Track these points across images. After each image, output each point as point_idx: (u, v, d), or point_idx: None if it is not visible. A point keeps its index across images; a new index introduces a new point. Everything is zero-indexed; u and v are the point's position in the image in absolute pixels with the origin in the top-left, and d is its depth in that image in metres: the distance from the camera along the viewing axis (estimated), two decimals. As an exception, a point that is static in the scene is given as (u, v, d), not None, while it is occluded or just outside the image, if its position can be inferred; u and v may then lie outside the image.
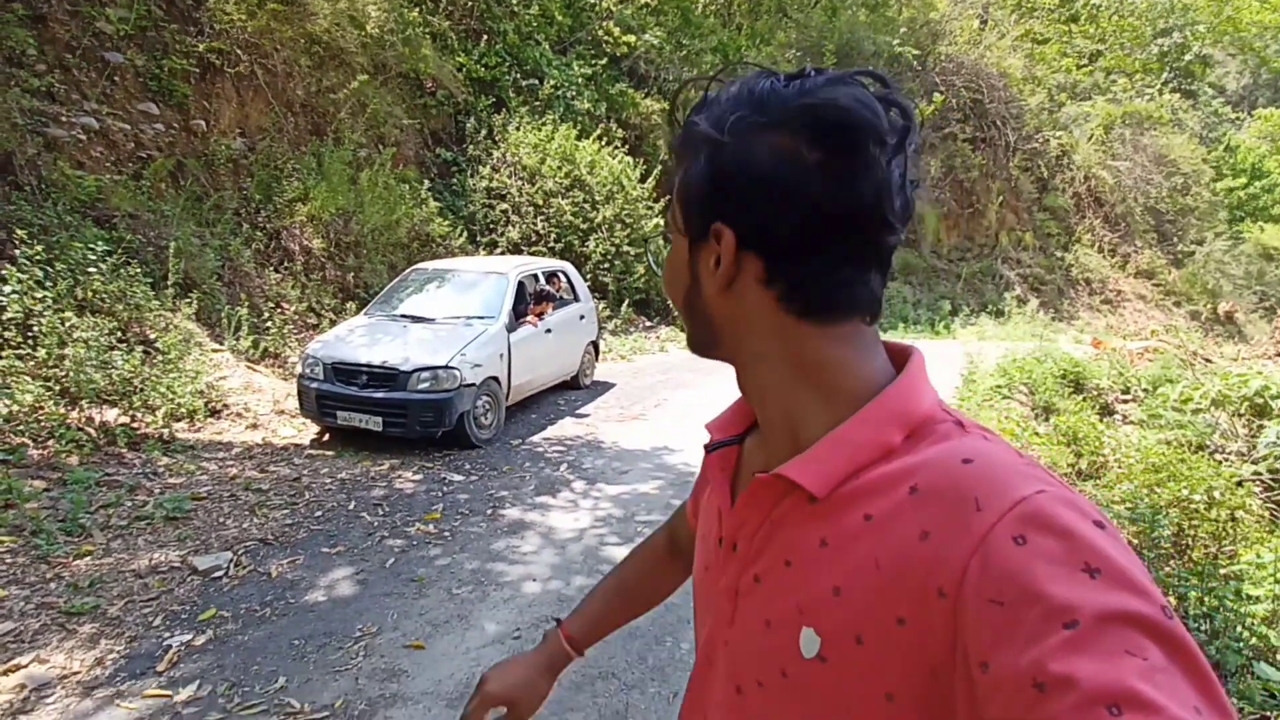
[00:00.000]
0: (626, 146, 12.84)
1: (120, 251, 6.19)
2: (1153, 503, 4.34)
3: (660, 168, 13.17)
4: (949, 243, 17.79)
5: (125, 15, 7.87)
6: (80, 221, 6.44)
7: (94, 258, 5.82)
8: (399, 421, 5.41)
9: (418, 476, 5.06)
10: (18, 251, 5.32)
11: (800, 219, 0.59)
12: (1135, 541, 4.24)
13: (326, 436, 5.86)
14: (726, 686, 0.68)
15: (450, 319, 6.19)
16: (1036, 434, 6.17)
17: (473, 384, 5.63)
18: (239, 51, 8.59)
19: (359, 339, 5.96)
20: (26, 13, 7.06)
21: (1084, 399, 7.80)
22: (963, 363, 8.29)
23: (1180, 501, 4.33)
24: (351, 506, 4.50)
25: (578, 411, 6.94)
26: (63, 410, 4.95)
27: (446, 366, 5.51)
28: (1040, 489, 0.51)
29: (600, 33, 13.63)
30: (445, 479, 5.05)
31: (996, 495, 0.51)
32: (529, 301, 6.92)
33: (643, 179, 12.38)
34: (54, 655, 2.91)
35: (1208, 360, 10.00)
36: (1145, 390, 8.15)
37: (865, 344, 0.64)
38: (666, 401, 7.31)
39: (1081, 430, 6.14)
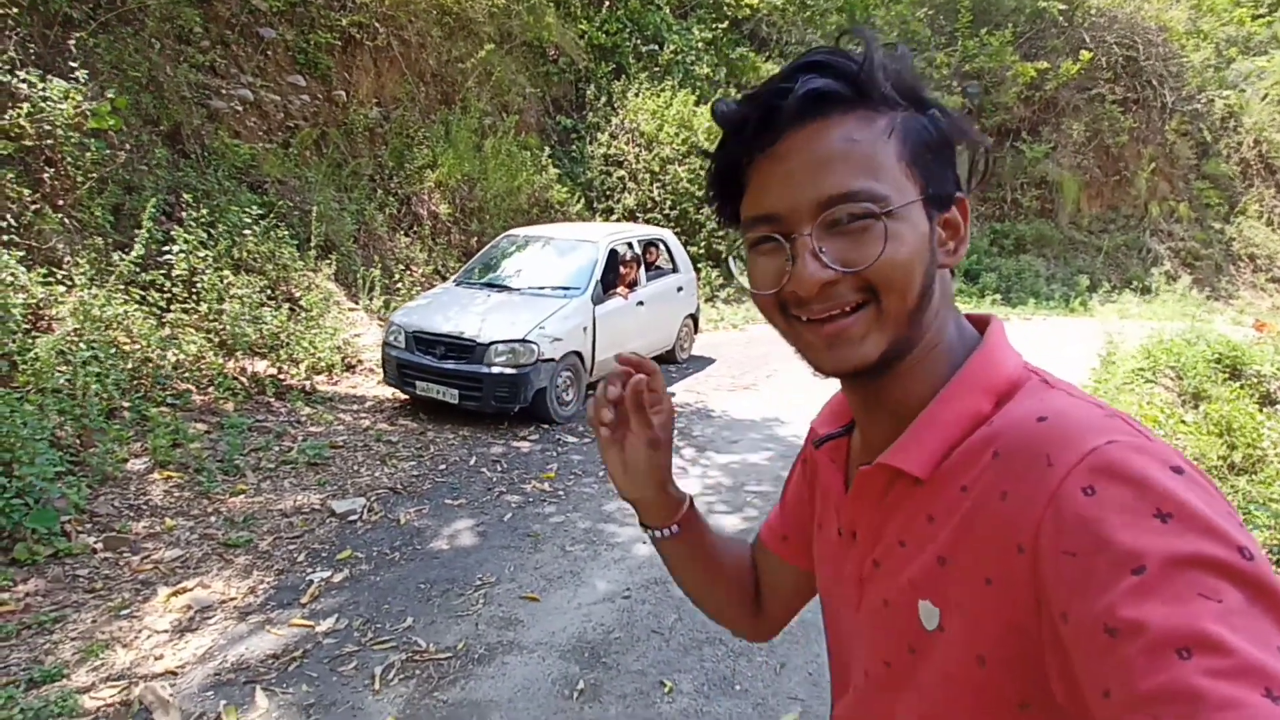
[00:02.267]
0: (743, 113, 12.51)
1: (271, 215, 6.67)
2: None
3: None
4: (1090, 213, 16.30)
5: (278, -8, 8.37)
6: (236, 187, 6.99)
7: (249, 220, 6.31)
8: (474, 395, 5.22)
9: (534, 436, 5.22)
10: (185, 214, 5.84)
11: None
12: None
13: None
14: (859, 671, 0.68)
15: (534, 289, 5.97)
16: (1183, 422, 5.59)
17: (552, 359, 5.36)
18: (377, 24, 8.98)
19: (442, 307, 5.80)
20: (192, -8, 7.63)
21: (1241, 386, 7.00)
22: (1101, 342, 7.60)
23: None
24: (473, 462, 4.71)
25: (688, 379, 6.92)
26: (220, 360, 5.43)
27: (524, 340, 5.26)
28: (1111, 439, 0.50)
29: (723, -8, 13.28)
30: (560, 440, 5.19)
31: (1067, 449, 0.51)
32: (621, 271, 6.60)
33: (761, 146, 12.03)
34: (214, 582, 3.23)
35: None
36: (1317, 378, 7.23)
37: (959, 311, 0.66)
38: (778, 373, 7.15)
39: (1237, 420, 5.52)
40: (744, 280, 0.65)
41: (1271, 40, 19.27)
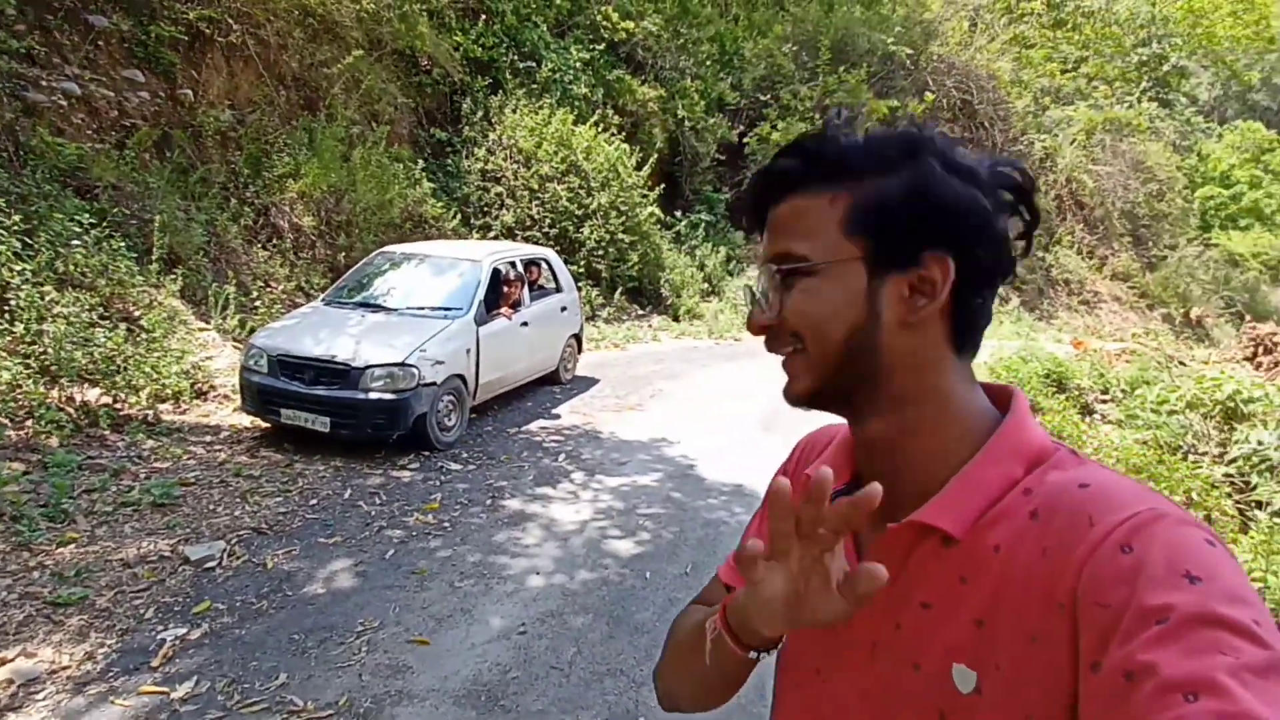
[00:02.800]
0: (623, 133, 12.69)
1: (103, 224, 5.96)
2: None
3: (657, 154, 13.04)
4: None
5: (111, -24, 7.57)
6: (60, 191, 6.20)
7: (77, 230, 5.61)
8: (349, 423, 4.85)
9: (415, 465, 4.94)
10: (-5, 221, 5.11)
11: (992, 255, 0.63)
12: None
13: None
14: None
15: (414, 310, 5.63)
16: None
17: (433, 383, 5.05)
18: (230, 20, 8.31)
19: (310, 329, 5.35)
20: (6, -32, 6.74)
21: (1066, 398, 7.88)
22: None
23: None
24: (348, 495, 4.38)
25: (573, 400, 6.84)
26: (42, 389, 4.75)
27: (403, 364, 4.93)
28: (1152, 507, 0.54)
29: (599, 17, 13.44)
30: (443, 468, 4.94)
31: (1110, 511, 0.54)
32: (504, 291, 6.40)
33: (639, 166, 12.25)
34: (41, 649, 2.78)
35: (1181, 363, 10.16)
36: (1123, 391, 8.26)
37: (973, 379, 0.67)
38: (662, 392, 7.23)
39: (1065, 430, 6.20)
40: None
41: (1077, 93, 22.11)
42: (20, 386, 4.68)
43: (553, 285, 7.17)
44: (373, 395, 4.86)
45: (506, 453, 5.34)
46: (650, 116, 14.06)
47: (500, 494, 4.56)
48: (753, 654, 0.72)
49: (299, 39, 9.30)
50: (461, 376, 5.43)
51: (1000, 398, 0.68)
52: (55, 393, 4.85)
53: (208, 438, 5.04)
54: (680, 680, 0.83)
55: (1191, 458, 6.10)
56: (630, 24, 13.78)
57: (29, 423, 4.53)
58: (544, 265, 7.18)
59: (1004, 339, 11.68)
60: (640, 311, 12.11)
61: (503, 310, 6.09)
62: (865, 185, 0.64)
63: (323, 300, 6.10)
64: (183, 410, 5.39)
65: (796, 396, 0.68)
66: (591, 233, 11.26)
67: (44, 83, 6.90)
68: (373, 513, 4.18)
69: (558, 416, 6.29)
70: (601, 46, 13.30)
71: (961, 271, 0.62)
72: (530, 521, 4.20)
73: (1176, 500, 4.51)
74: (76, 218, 5.70)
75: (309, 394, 4.88)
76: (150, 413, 5.11)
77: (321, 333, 5.25)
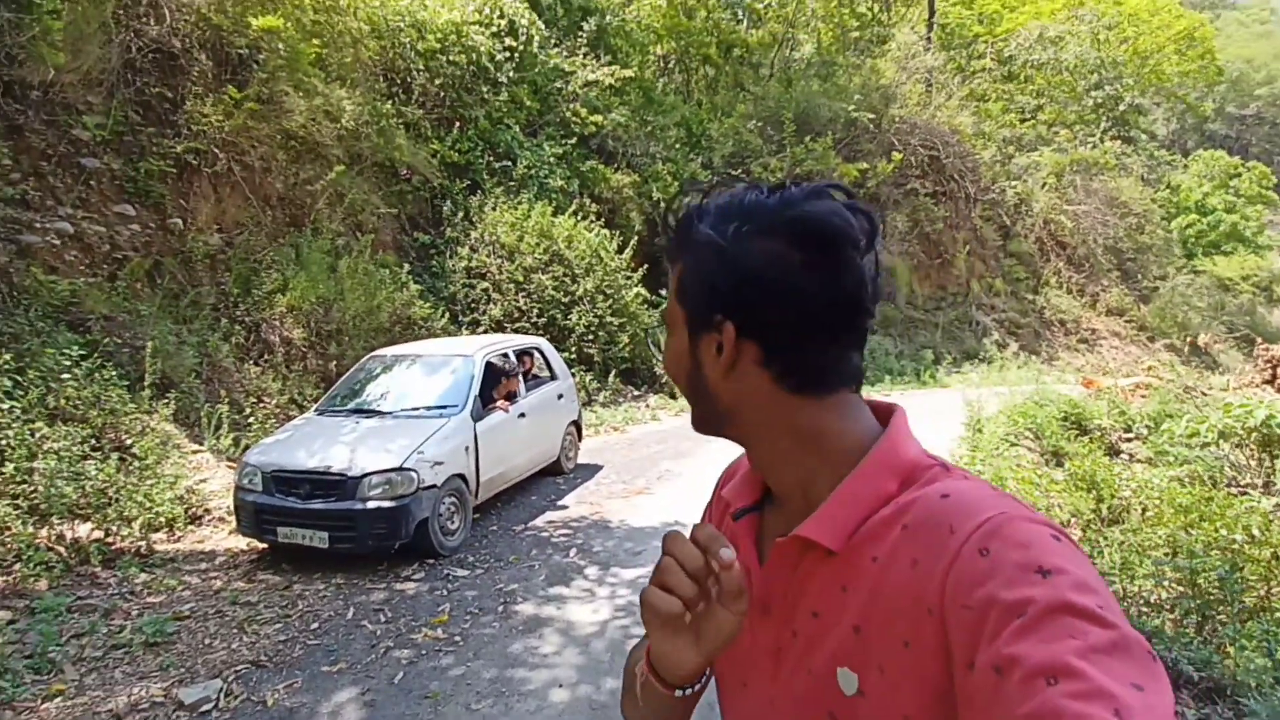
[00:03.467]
0: (601, 220, 12.96)
1: (95, 355, 5.94)
2: (1189, 546, 4.18)
3: (636, 237, 13.30)
4: (923, 293, 18.07)
5: (102, 122, 7.86)
6: (53, 327, 6.21)
7: (67, 363, 5.58)
8: (348, 536, 4.66)
9: (419, 575, 4.73)
10: (-15, 362, 5.07)
11: (791, 311, 0.67)
12: (1180, 589, 4.07)
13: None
14: None
15: (407, 411, 5.53)
16: (1054, 481, 6.01)
17: (433, 485, 4.90)
18: (216, 150, 8.57)
19: (303, 441, 5.23)
20: (2, 124, 7.00)
21: (1090, 440, 7.71)
22: (963, 413, 8.18)
23: (1219, 543, 4.17)
24: (350, 614, 4.17)
25: (579, 490, 6.66)
26: (31, 529, 4.60)
27: (401, 468, 4.77)
28: (1002, 511, 0.59)
29: (568, 114, 13.97)
30: (449, 575, 4.73)
31: (966, 518, 0.59)
32: (500, 384, 6.25)
33: (620, 249, 12.45)
34: (22, 822, 2.55)
35: (1202, 393, 10.04)
36: (1147, 427, 8.10)
37: (853, 408, 0.72)
38: (669, 473, 7.07)
39: (1099, 474, 6.00)
40: None
41: (1039, 138, 22.89)
42: (8, 529, 4.53)
43: (547, 374, 7.10)
44: (371, 504, 4.67)
45: (515, 552, 5.14)
46: (626, 201, 14.43)
47: (512, 599, 4.35)
48: (678, 692, 0.76)
49: (282, 161, 9.58)
50: (462, 476, 5.26)
51: (885, 416, 0.73)
52: (45, 532, 4.69)
53: (203, 565, 4.85)
54: (635, 717, 0.86)
55: (1233, 490, 5.89)
56: (599, 118, 14.31)
57: (16, 566, 4.35)
58: (537, 354, 7.13)
59: (1013, 384, 11.59)
60: (636, 392, 12.05)
61: (499, 403, 5.98)
62: (685, 260, 0.73)
63: (316, 410, 5.99)
64: (177, 538, 5.22)
65: (694, 423, 0.79)
66: (580, 318, 11.32)
67: (38, 224, 7.04)
68: (378, 632, 3.96)
69: (564, 508, 6.10)
70: (573, 140, 13.76)
71: (750, 330, 0.69)
72: (546, 627, 3.98)
73: (1238, 540, 4.29)
74: (67, 351, 5.68)
75: (305, 509, 4.70)
76: (143, 544, 4.93)
77: (316, 443, 5.11)
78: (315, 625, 4.04)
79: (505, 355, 6.40)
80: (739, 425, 0.73)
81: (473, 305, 11.14)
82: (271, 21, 8.81)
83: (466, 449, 5.37)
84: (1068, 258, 20.04)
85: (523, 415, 6.19)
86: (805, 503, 0.70)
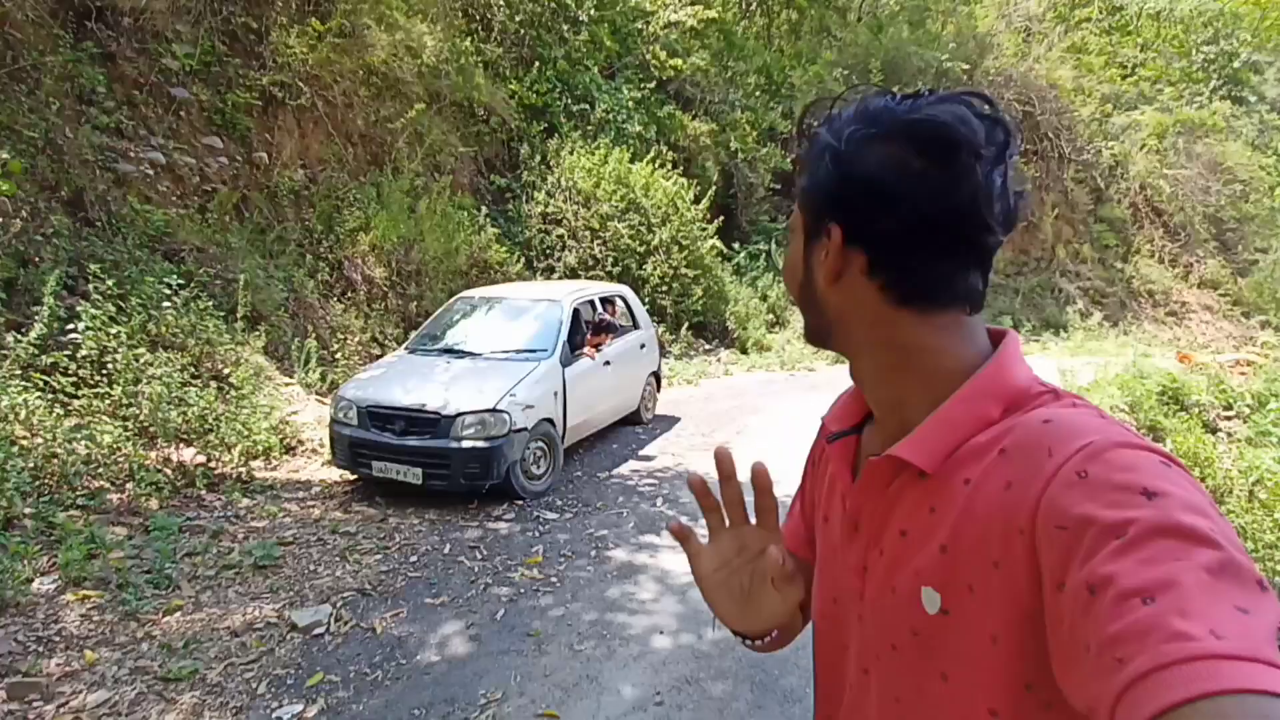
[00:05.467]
0: (677, 169, 12.63)
1: (191, 285, 6.05)
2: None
3: (713, 188, 12.94)
4: (1004, 257, 17.24)
5: (190, 51, 7.89)
6: (150, 256, 6.34)
7: (166, 292, 5.69)
8: (441, 474, 4.69)
9: (510, 515, 4.73)
10: (91, 287, 5.20)
11: (900, 218, 0.65)
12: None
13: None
14: (862, 658, 0.72)
15: (498, 353, 5.50)
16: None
17: (524, 428, 4.87)
18: (300, 84, 8.56)
19: (397, 378, 5.25)
20: (98, 51, 7.08)
21: (1189, 417, 7.25)
22: (1056, 382, 7.78)
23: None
24: (447, 550, 4.19)
25: (659, 440, 6.57)
26: (140, 451, 4.75)
27: (494, 410, 4.75)
28: (1107, 435, 0.56)
29: (648, 57, 13.54)
30: (540, 517, 4.71)
31: (1067, 442, 0.57)
32: (585, 331, 6.24)
33: (696, 200, 12.14)
34: (157, 730, 2.62)
35: (1314, 371, 9.35)
36: (1250, 406, 7.59)
37: (965, 331, 0.69)
38: (748, 427, 6.93)
39: (1202, 453, 5.64)
40: None
41: (1140, 97, 21.31)
42: (120, 449, 4.67)
43: (630, 323, 6.97)
44: (465, 444, 4.69)
45: (602, 499, 5.09)
46: (703, 151, 14.03)
47: (604, 544, 4.31)
48: (747, 643, 0.85)
49: (364, 97, 9.54)
50: (550, 420, 5.23)
51: (998, 342, 0.71)
52: (153, 454, 4.83)
53: (300, 494, 4.95)
54: None
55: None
56: (678, 61, 13.88)
57: (129, 485, 4.50)
58: (620, 302, 7.00)
59: (1109, 355, 11.00)
60: (707, 346, 11.86)
61: (586, 350, 5.90)
62: (807, 170, 0.73)
63: (406, 349, 6.00)
64: (274, 466, 5.34)
65: (806, 334, 0.79)
66: (655, 269, 11.13)
67: (131, 154, 7.16)
68: (475, 569, 3.97)
69: (648, 458, 6.03)
70: (652, 85, 13.37)
71: (860, 237, 0.67)
72: (641, 574, 3.93)
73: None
74: (165, 280, 5.78)
75: (400, 445, 4.74)
76: (243, 470, 5.05)
77: (410, 382, 5.12)
78: (414, 559, 4.07)
79: (592, 302, 6.28)
80: (844, 337, 0.72)
81: (548, 251, 11.04)
82: (359, -52, 8.64)
83: (555, 394, 5.32)
84: (1163, 225, 18.76)
85: (608, 363, 6.11)
86: (901, 423, 0.69)
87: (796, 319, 13.83)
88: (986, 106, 0.66)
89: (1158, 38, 20.65)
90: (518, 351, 5.50)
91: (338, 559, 4.02)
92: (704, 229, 12.11)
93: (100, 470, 4.49)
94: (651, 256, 11.18)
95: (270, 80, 8.36)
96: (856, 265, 0.68)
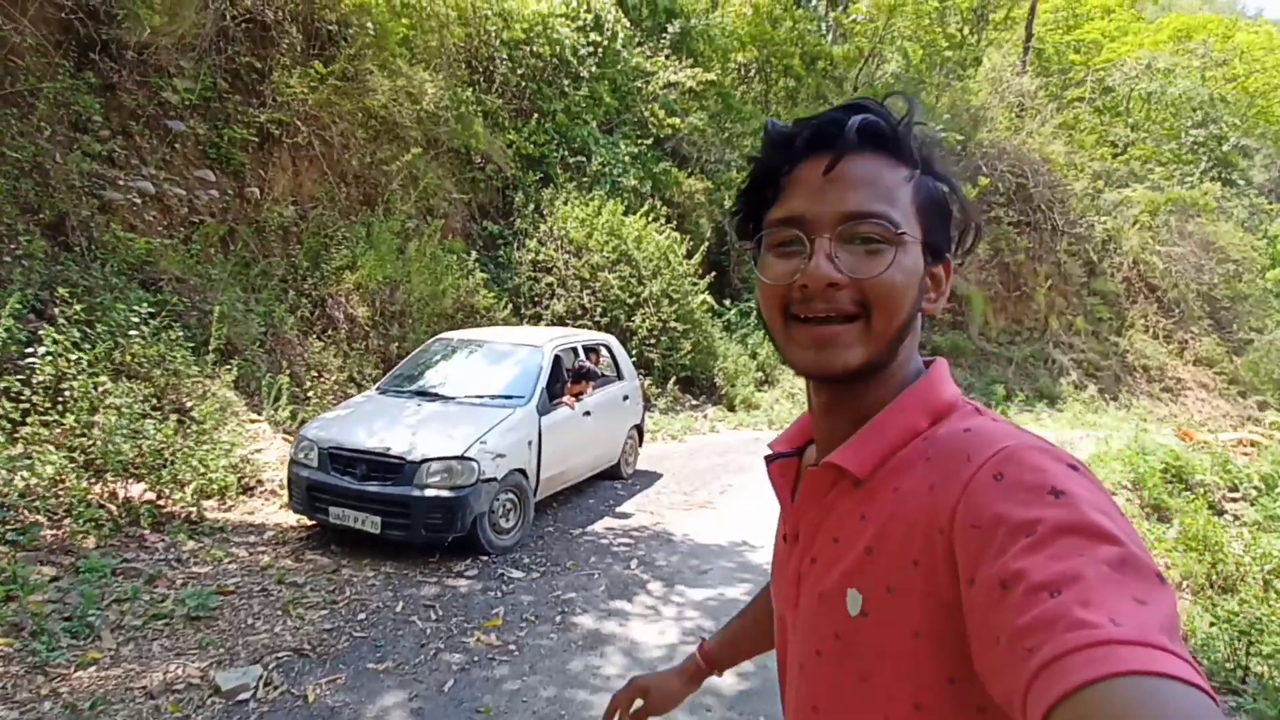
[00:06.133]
0: (670, 224, 12.67)
1: (163, 315, 5.87)
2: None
3: (706, 244, 12.95)
4: (998, 325, 17.24)
5: (191, 87, 7.91)
6: (126, 284, 6.18)
7: (136, 319, 5.49)
8: (401, 523, 4.37)
9: (472, 572, 4.43)
10: (57, 311, 5.01)
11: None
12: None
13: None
14: (793, 665, 0.74)
15: (472, 398, 5.22)
16: (1160, 540, 5.43)
17: (493, 478, 4.58)
18: (298, 123, 8.57)
19: (363, 419, 4.97)
20: (98, 81, 7.07)
21: (1194, 497, 7.03)
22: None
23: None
24: (399, 608, 3.89)
25: (638, 497, 6.30)
26: (85, 484, 4.48)
27: (462, 457, 4.47)
28: (1020, 441, 0.60)
29: (646, 114, 13.75)
30: (504, 575, 4.41)
31: (984, 448, 0.61)
32: (565, 379, 5.97)
33: (688, 255, 12.13)
34: (39, 806, 2.31)
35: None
36: (1257, 489, 7.37)
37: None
38: (732, 488, 6.67)
39: (1213, 536, 5.39)
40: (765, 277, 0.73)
41: (1130, 175, 21.77)
42: (63, 480, 4.41)
43: (613, 373, 6.76)
44: (429, 492, 4.37)
45: (572, 558, 4.80)
46: (697, 208, 14.14)
47: (570, 609, 4.01)
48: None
49: (361, 139, 9.56)
50: (523, 471, 4.93)
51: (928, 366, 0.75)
52: (98, 487, 4.56)
53: (251, 538, 4.66)
54: None
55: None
56: (676, 120, 14.13)
57: (66, 521, 4.21)
58: (604, 351, 6.80)
59: (1108, 428, 10.82)
60: (694, 401, 11.67)
61: (565, 399, 5.65)
62: (922, 177, 0.70)
63: (378, 388, 5.75)
64: (228, 507, 5.05)
65: (846, 369, 0.69)
66: (644, 321, 11.02)
67: (121, 182, 7.07)
68: (428, 630, 3.66)
69: (625, 515, 5.74)
70: (649, 141, 13.55)
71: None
72: (608, 645, 3.63)
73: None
74: (137, 307, 5.60)
75: (360, 490, 4.44)
76: (194, 510, 4.76)
77: (376, 423, 4.85)
78: (362, 615, 3.77)
79: (574, 350, 6.08)
80: (896, 360, 0.71)
81: (536, 299, 10.94)
82: (366, -6, 8.77)
83: (530, 443, 5.04)
84: (1157, 300, 18.88)
85: (588, 414, 5.85)
86: (853, 431, 0.72)
87: (785, 377, 13.64)
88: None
89: (1148, 119, 21.20)
90: (492, 397, 5.24)
91: (279, 612, 3.72)
92: (695, 284, 12.07)
93: (37, 503, 4.21)
94: (641, 308, 11.09)
95: (269, 117, 8.36)
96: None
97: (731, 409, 11.66)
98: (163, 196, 7.42)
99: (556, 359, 5.76)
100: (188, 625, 3.50)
